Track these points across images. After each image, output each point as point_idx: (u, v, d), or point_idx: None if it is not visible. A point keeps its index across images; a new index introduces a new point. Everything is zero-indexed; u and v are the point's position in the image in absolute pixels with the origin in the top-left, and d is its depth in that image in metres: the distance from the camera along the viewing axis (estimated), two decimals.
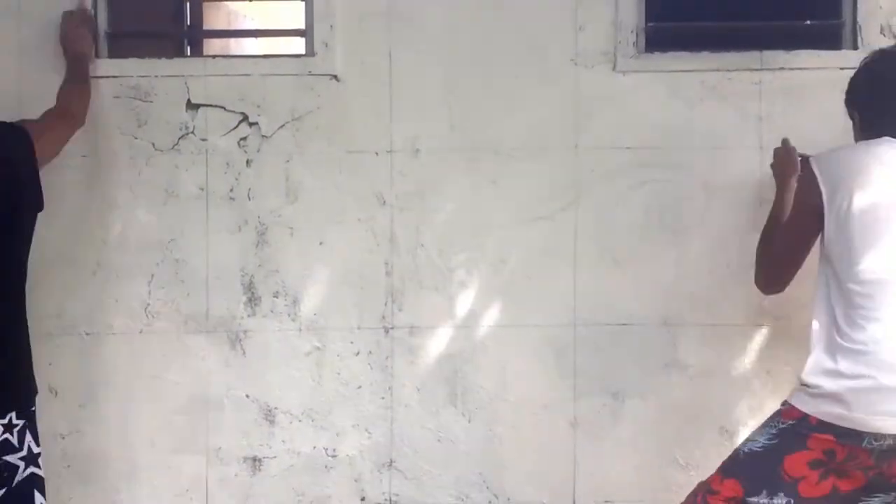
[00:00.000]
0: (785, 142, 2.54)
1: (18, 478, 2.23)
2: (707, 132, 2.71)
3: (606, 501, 2.73)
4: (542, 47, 2.71)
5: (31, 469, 2.26)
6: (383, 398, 2.73)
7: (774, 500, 2.11)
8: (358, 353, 2.73)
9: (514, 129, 2.72)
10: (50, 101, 2.55)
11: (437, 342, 2.73)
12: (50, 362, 2.72)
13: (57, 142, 2.51)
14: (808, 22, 2.83)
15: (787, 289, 2.63)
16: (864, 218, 2.10)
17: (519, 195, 2.72)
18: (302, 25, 2.80)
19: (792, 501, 2.10)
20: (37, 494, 2.27)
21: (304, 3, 2.81)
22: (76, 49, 2.67)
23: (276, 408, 2.75)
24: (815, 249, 2.21)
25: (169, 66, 2.77)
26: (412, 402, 2.74)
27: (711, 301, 2.71)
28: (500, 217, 2.71)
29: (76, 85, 2.61)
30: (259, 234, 2.75)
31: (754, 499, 2.11)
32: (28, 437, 2.25)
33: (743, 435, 2.66)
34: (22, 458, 2.23)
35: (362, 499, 2.74)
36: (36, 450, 2.27)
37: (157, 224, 2.74)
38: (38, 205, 2.35)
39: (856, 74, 2.33)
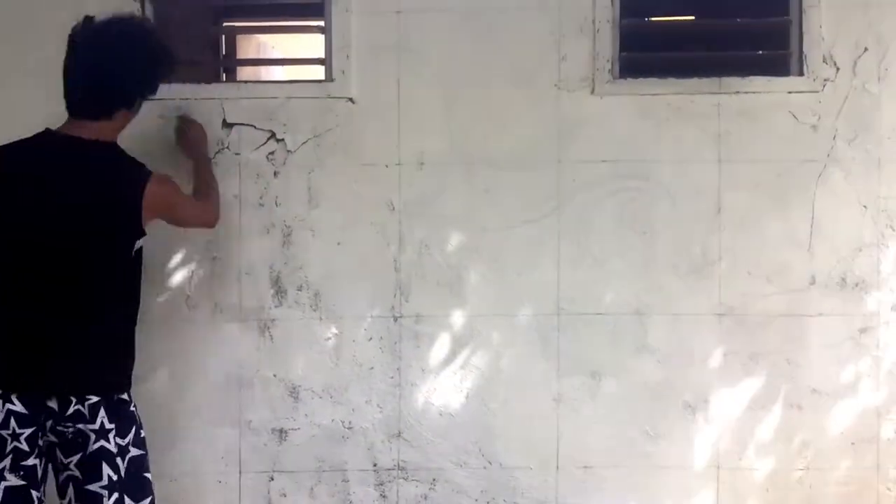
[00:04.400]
0: None
1: (90, 448, 2.12)
2: (672, 147, 2.72)
3: (585, 466, 2.73)
4: (530, 74, 2.72)
5: (101, 443, 2.12)
6: (392, 377, 2.74)
7: None
8: (371, 339, 2.75)
9: (505, 144, 2.73)
10: None
11: (440, 329, 2.74)
12: None
13: (184, 217, 2.43)
14: (761, 52, 2.81)
15: (745, 284, 2.69)
16: None
17: (509, 202, 2.73)
18: (322, 55, 2.81)
19: None
20: (104, 466, 2.12)
21: (323, 36, 2.78)
22: (201, 151, 2.67)
23: (299, 386, 2.76)
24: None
25: (207, 90, 2.78)
26: (417, 381, 2.74)
27: (676, 293, 2.72)
28: (493, 221, 2.73)
29: (212, 187, 2.59)
30: (285, 235, 2.76)
31: None
32: (102, 414, 2.12)
33: (702, 409, 2.70)
34: (93, 431, 2.12)
35: (374, 464, 2.74)
36: (108, 426, 2.13)
37: None
38: (136, 232, 2.20)
39: None
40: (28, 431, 2.10)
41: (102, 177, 2.17)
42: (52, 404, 2.12)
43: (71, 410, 2.12)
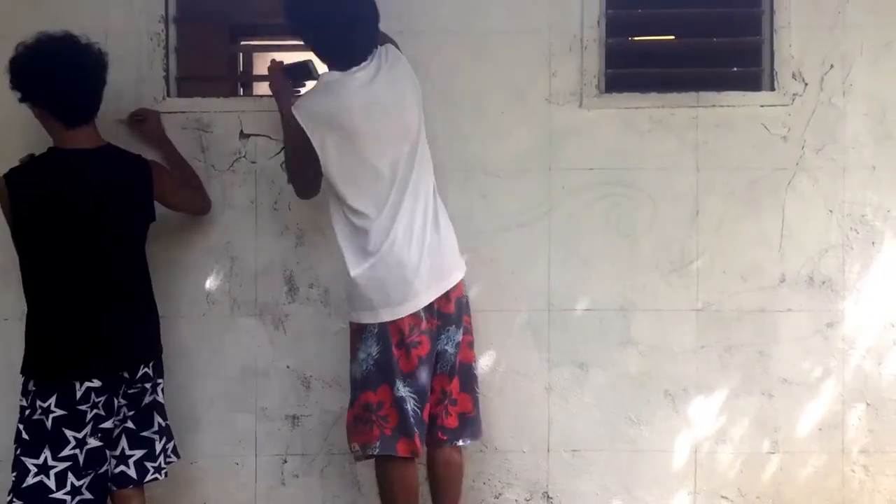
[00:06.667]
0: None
1: (145, 401, 2.48)
2: (654, 156, 2.77)
3: (574, 450, 2.78)
4: (523, 89, 2.77)
5: (154, 396, 2.50)
6: None
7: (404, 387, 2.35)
8: None
9: (499, 154, 2.76)
10: None
11: None
12: None
13: (181, 200, 2.62)
14: (735, 69, 2.85)
15: (721, 282, 2.73)
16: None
17: (503, 207, 2.77)
18: None
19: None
20: (155, 415, 2.50)
21: None
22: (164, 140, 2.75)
23: (310, 376, 2.80)
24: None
25: (226, 104, 2.83)
26: None
27: (657, 291, 2.77)
28: (489, 224, 2.77)
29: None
30: (297, 237, 2.79)
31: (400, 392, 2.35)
32: (152, 372, 2.49)
33: (681, 397, 2.76)
34: (150, 386, 2.49)
35: None
36: (158, 381, 2.51)
37: (216, 229, 2.80)
38: (149, 217, 2.50)
39: None
40: (104, 399, 2.37)
41: (119, 177, 2.42)
42: (125, 374, 2.42)
43: (140, 373, 2.46)
